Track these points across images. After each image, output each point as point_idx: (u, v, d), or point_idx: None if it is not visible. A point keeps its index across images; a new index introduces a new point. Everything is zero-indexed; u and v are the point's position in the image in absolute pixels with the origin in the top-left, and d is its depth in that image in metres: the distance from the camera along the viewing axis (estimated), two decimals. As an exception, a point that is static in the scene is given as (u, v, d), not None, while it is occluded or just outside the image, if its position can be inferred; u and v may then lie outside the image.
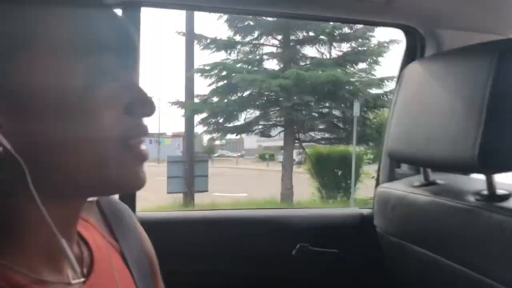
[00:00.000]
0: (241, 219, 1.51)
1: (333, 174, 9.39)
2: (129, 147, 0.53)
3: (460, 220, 0.95)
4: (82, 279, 0.57)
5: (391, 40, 10.54)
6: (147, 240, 0.77)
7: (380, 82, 10.49)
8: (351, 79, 10.41)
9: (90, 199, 0.67)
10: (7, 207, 0.51)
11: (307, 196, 9.27)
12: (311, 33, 10.95)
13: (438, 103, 0.99)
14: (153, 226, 0.84)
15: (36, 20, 0.49)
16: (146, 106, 0.54)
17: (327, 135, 11.16)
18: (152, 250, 0.77)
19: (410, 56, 1.50)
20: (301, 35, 11.08)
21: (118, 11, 1.23)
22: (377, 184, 1.51)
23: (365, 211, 1.53)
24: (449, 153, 0.93)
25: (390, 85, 10.27)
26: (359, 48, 10.85)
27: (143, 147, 0.55)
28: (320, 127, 10.94)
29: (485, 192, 0.93)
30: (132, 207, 1.34)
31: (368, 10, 1.35)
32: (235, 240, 1.43)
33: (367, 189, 7.92)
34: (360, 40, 10.83)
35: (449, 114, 0.95)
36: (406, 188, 1.18)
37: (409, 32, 1.49)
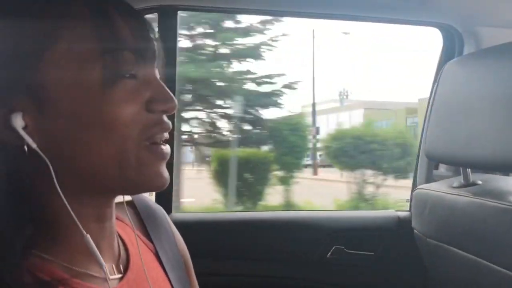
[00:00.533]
0: (276, 221, 1.51)
1: (241, 179, 8.68)
2: (150, 147, 0.54)
3: (502, 221, 0.92)
4: (119, 275, 0.59)
5: (284, 34, 9.53)
6: (181, 241, 0.78)
7: (266, 79, 9.19)
8: (230, 77, 9.14)
9: (125, 198, 0.68)
10: (41, 204, 0.52)
11: (206, 202, 8.55)
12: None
13: (478, 101, 0.97)
14: (188, 227, 0.85)
15: (54, 22, 0.50)
16: (166, 102, 0.55)
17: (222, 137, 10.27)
18: (186, 250, 0.78)
19: (447, 55, 1.47)
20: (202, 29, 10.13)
21: (154, 16, 1.26)
22: (414, 186, 1.49)
23: (402, 213, 1.51)
24: (491, 153, 0.91)
25: (281, 82, 9.43)
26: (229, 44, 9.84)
27: (163, 146, 0.56)
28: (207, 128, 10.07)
29: None
30: (168, 208, 1.36)
31: (403, 9, 1.34)
32: (269, 241, 1.43)
33: (277, 196, 7.47)
34: (253, 34, 9.78)
35: (490, 112, 0.92)
36: (445, 189, 1.15)
37: (446, 31, 1.46)
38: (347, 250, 1.44)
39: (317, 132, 12.83)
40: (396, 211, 1.54)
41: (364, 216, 1.58)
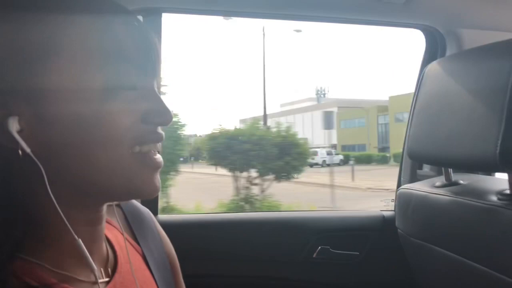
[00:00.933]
0: (262, 221, 1.51)
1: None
2: (143, 156, 0.54)
3: (482, 219, 0.94)
4: (107, 279, 0.59)
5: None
6: (168, 242, 0.79)
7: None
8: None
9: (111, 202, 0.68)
10: (32, 208, 0.53)
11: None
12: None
13: (459, 102, 0.98)
14: (174, 229, 0.85)
15: (59, 30, 0.50)
16: (163, 115, 0.55)
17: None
18: (173, 252, 0.79)
19: (430, 56, 1.49)
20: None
21: (139, 18, 1.26)
22: (398, 186, 1.50)
23: (387, 213, 1.52)
24: (471, 152, 0.92)
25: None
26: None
27: (156, 156, 0.56)
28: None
29: (507, 191, 0.92)
30: (154, 210, 1.36)
31: (387, 11, 1.35)
32: (256, 242, 1.44)
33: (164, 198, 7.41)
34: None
35: (470, 113, 0.94)
36: (427, 188, 1.16)
37: (429, 32, 1.48)
38: (333, 250, 1.45)
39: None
40: (381, 211, 1.56)
41: (349, 216, 1.60)
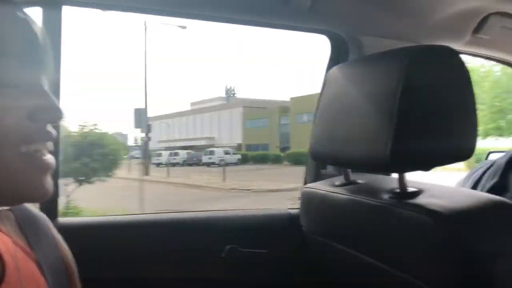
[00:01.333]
0: (169, 222, 1.50)
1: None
2: (30, 157, 0.51)
3: (374, 217, 1.00)
4: None
5: None
6: (64, 246, 0.75)
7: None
8: None
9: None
10: None
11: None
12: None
13: (356, 105, 1.04)
14: (76, 232, 0.82)
15: None
16: (51, 112, 0.53)
17: None
18: (70, 256, 0.76)
19: (334, 60, 1.55)
20: None
21: (37, 11, 1.19)
22: (304, 184, 1.55)
23: (293, 211, 1.57)
24: (366, 153, 0.97)
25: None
26: None
27: (46, 156, 0.54)
28: None
29: (397, 190, 0.98)
30: (54, 213, 1.30)
31: (292, 16, 1.39)
32: (162, 243, 1.42)
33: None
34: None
35: (365, 116, 0.99)
36: (328, 187, 1.22)
37: (333, 38, 1.54)
38: (241, 248, 1.46)
39: (149, 130, 12.02)
40: (288, 208, 1.60)
41: (257, 214, 1.62)
